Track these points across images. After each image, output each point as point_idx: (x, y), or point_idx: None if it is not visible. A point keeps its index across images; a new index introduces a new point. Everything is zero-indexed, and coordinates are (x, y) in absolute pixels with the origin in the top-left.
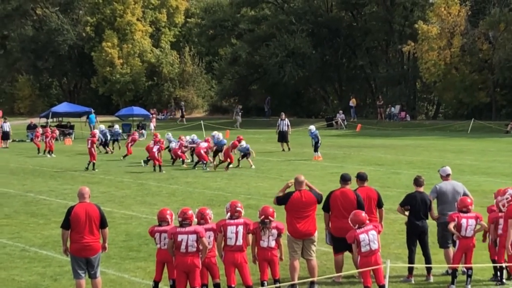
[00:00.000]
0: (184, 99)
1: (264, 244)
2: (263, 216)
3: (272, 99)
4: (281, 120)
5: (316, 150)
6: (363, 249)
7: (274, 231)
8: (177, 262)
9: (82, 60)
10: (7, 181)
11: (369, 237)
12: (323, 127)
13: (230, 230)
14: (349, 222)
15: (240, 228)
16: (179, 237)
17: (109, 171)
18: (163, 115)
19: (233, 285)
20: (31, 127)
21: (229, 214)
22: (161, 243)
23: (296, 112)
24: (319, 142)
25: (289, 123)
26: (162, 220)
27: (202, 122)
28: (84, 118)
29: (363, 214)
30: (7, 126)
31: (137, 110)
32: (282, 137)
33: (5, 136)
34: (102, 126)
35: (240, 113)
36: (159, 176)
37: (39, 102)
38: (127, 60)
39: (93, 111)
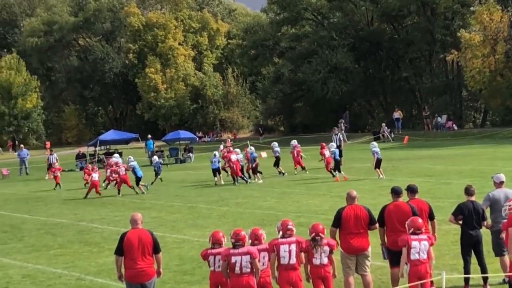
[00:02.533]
0: (229, 120)
1: (316, 261)
2: (314, 234)
3: (317, 115)
4: (334, 135)
5: (378, 166)
6: (412, 257)
7: (326, 248)
8: (232, 283)
9: (127, 87)
10: (59, 211)
11: (420, 246)
12: (370, 141)
13: (283, 249)
14: (406, 226)
15: (293, 247)
16: (233, 259)
17: (159, 196)
18: (209, 137)
19: None
20: (80, 157)
21: (281, 233)
22: (215, 265)
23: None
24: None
25: (342, 138)
26: (215, 242)
27: (248, 142)
28: (132, 145)
29: (420, 221)
30: (53, 158)
31: (184, 133)
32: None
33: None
34: (156, 158)
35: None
36: (209, 198)
37: (86, 131)
38: (171, 84)
39: (150, 136)
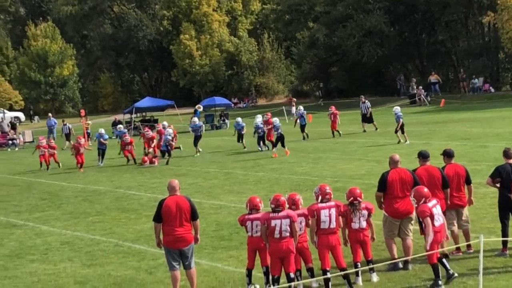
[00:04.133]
0: (264, 85)
1: (355, 225)
2: (351, 198)
3: (353, 80)
4: (362, 103)
5: (396, 131)
6: (436, 223)
7: (365, 212)
8: (272, 248)
9: (162, 54)
10: (96, 178)
11: (438, 211)
12: (406, 105)
13: (324, 213)
14: (412, 198)
15: (333, 211)
16: (273, 222)
17: (195, 162)
18: (245, 103)
19: (328, 269)
20: (116, 124)
21: (320, 197)
22: (252, 230)
23: (378, 92)
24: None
25: (369, 105)
26: (252, 208)
27: (283, 107)
28: (167, 111)
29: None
30: (66, 128)
31: (219, 100)
32: (364, 119)
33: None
34: (196, 119)
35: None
36: (244, 164)
37: (121, 99)
38: (205, 51)
39: (200, 107)
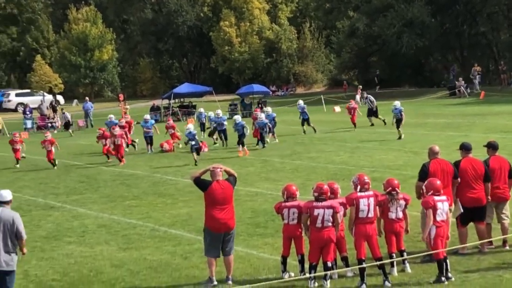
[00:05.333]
0: (303, 74)
1: (392, 215)
2: (390, 188)
3: (392, 69)
4: (365, 98)
5: (398, 126)
6: (438, 218)
7: (402, 202)
8: (313, 236)
9: (201, 40)
10: (134, 162)
11: (443, 207)
12: (446, 96)
13: (363, 202)
14: (423, 188)
15: (371, 200)
16: (316, 212)
17: (232, 149)
18: (283, 91)
19: (363, 258)
20: (154, 109)
21: (359, 187)
22: (288, 218)
23: (418, 82)
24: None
25: (372, 99)
26: (289, 196)
27: (322, 96)
28: (206, 98)
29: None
30: (66, 117)
31: (257, 87)
32: (370, 113)
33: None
34: (239, 117)
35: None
36: (281, 152)
37: (160, 84)
38: (245, 38)
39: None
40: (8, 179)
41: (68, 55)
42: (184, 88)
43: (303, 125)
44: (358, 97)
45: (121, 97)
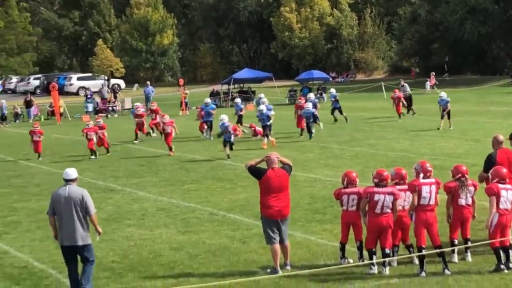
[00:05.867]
0: (363, 60)
1: (462, 201)
2: (459, 175)
3: (454, 57)
4: (401, 86)
5: (442, 117)
6: (501, 206)
7: (472, 188)
8: (371, 222)
9: (261, 25)
10: (193, 147)
11: (508, 196)
12: (509, 84)
13: (425, 189)
14: (489, 175)
15: (433, 187)
16: (376, 197)
17: (290, 135)
18: (343, 77)
19: (423, 246)
20: (214, 94)
21: (421, 174)
22: (348, 205)
23: (480, 70)
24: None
25: (407, 89)
26: (349, 182)
27: (382, 83)
28: (265, 83)
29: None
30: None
31: (317, 73)
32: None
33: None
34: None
35: None
36: (340, 138)
37: (220, 69)
38: (305, 24)
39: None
40: (69, 162)
41: (129, 40)
42: (243, 73)
43: (332, 113)
44: (428, 84)
45: (181, 82)
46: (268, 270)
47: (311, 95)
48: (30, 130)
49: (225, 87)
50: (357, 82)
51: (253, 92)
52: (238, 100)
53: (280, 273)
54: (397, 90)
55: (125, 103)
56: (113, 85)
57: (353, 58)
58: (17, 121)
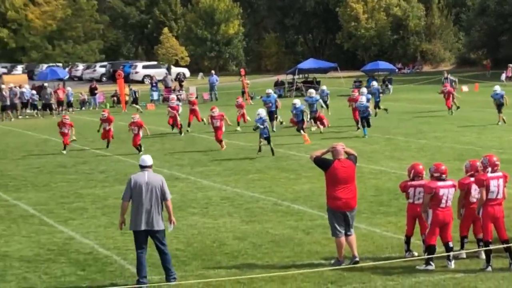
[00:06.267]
0: (430, 52)
1: None
2: None
3: None
4: (444, 78)
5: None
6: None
7: None
8: (436, 217)
9: (327, 16)
10: (255, 137)
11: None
12: None
13: (493, 184)
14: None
15: (501, 181)
16: (441, 191)
17: (355, 127)
18: (409, 69)
19: (490, 240)
20: (278, 84)
21: (489, 168)
22: (414, 197)
23: None
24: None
25: (454, 79)
26: (415, 175)
27: (449, 75)
28: (330, 74)
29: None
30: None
31: (383, 64)
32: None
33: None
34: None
35: None
36: (406, 131)
37: (285, 59)
38: (371, 14)
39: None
40: (134, 150)
41: (195, 28)
42: (308, 63)
43: (377, 107)
44: (504, 75)
45: (243, 72)
46: (332, 262)
47: (364, 90)
48: (100, 118)
49: (289, 77)
50: (423, 73)
51: (318, 83)
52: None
53: (344, 265)
54: (447, 85)
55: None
56: (178, 73)
57: (420, 49)
58: (83, 108)
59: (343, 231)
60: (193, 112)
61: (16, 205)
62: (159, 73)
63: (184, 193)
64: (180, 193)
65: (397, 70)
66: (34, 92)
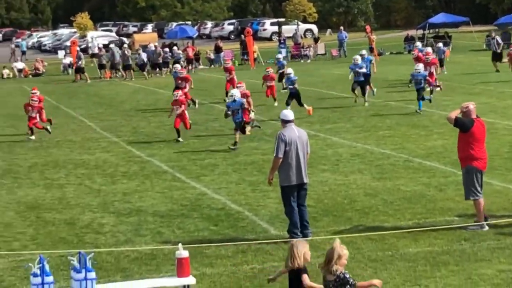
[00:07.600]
0: None
1: None
2: None
3: None
4: (491, 38)
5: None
6: None
7: None
8: None
9: None
10: (386, 94)
11: None
12: None
13: None
14: None
15: None
16: None
17: (489, 82)
18: None
19: None
20: (408, 39)
21: None
22: None
23: None
24: None
25: (499, 41)
26: None
27: None
28: (461, 28)
29: None
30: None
31: None
32: (495, 57)
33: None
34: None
35: None
36: None
37: (415, 14)
38: None
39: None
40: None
41: None
42: (439, 18)
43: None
44: None
45: (368, 29)
46: (472, 227)
47: (364, 52)
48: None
49: (419, 32)
50: None
51: (450, 37)
52: (279, 55)
53: (486, 228)
54: None
55: (318, 49)
56: (306, 30)
57: None
58: (212, 66)
59: (482, 192)
60: (230, 81)
61: (149, 161)
62: (287, 29)
63: (314, 150)
64: (310, 149)
65: None
66: (166, 49)
